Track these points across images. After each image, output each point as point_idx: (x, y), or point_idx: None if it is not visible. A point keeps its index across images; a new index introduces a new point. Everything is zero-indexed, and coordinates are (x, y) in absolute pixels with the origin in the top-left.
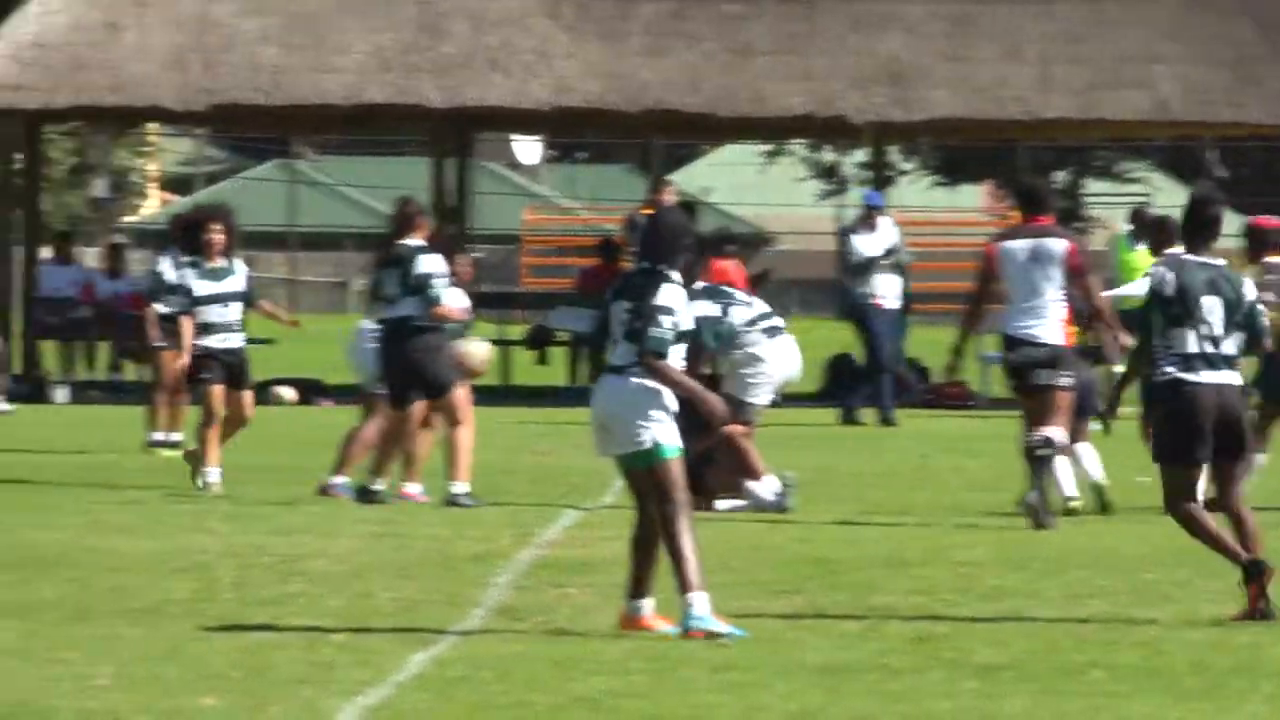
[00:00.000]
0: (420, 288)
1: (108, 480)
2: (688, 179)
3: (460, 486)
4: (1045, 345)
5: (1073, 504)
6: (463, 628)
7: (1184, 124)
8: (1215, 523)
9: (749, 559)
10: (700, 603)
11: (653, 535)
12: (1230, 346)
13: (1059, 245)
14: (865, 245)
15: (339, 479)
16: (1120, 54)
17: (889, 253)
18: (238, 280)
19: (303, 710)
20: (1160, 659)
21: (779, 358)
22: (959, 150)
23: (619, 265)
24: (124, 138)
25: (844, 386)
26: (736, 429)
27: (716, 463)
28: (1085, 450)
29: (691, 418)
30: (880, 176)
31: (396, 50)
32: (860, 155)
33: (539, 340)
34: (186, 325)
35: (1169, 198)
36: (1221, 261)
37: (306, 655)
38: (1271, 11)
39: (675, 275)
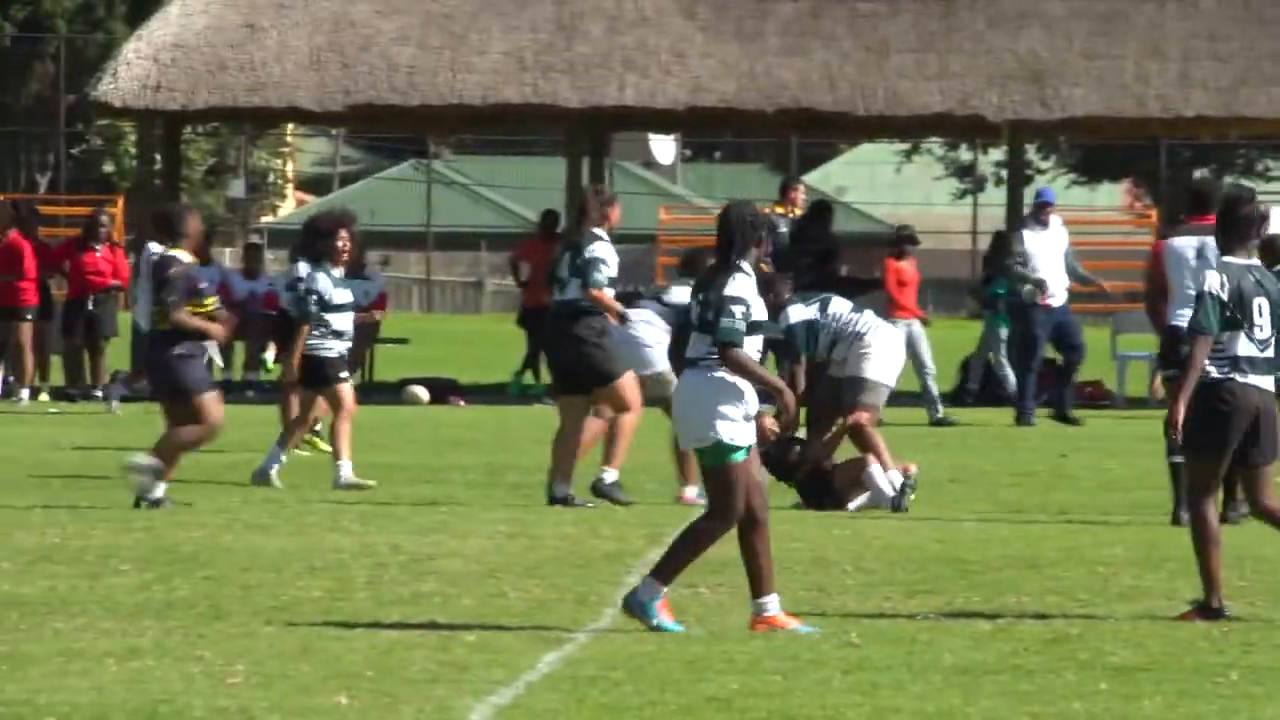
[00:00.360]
0: (583, 271)
1: (244, 479)
2: (823, 178)
3: (610, 474)
4: None
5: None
6: (594, 627)
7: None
8: (1220, 538)
9: (883, 559)
10: (656, 600)
11: (748, 532)
12: (1273, 349)
13: None
14: (1035, 242)
15: (690, 489)
16: (1262, 51)
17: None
18: (359, 287)
19: (435, 710)
20: None
21: (887, 343)
22: (1098, 149)
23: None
24: (262, 138)
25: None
26: (862, 416)
27: (838, 465)
28: None
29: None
30: (1017, 175)
31: (533, 50)
32: (997, 154)
33: None
34: (304, 331)
35: None
36: (1257, 261)
37: (439, 655)
38: None
39: (746, 266)
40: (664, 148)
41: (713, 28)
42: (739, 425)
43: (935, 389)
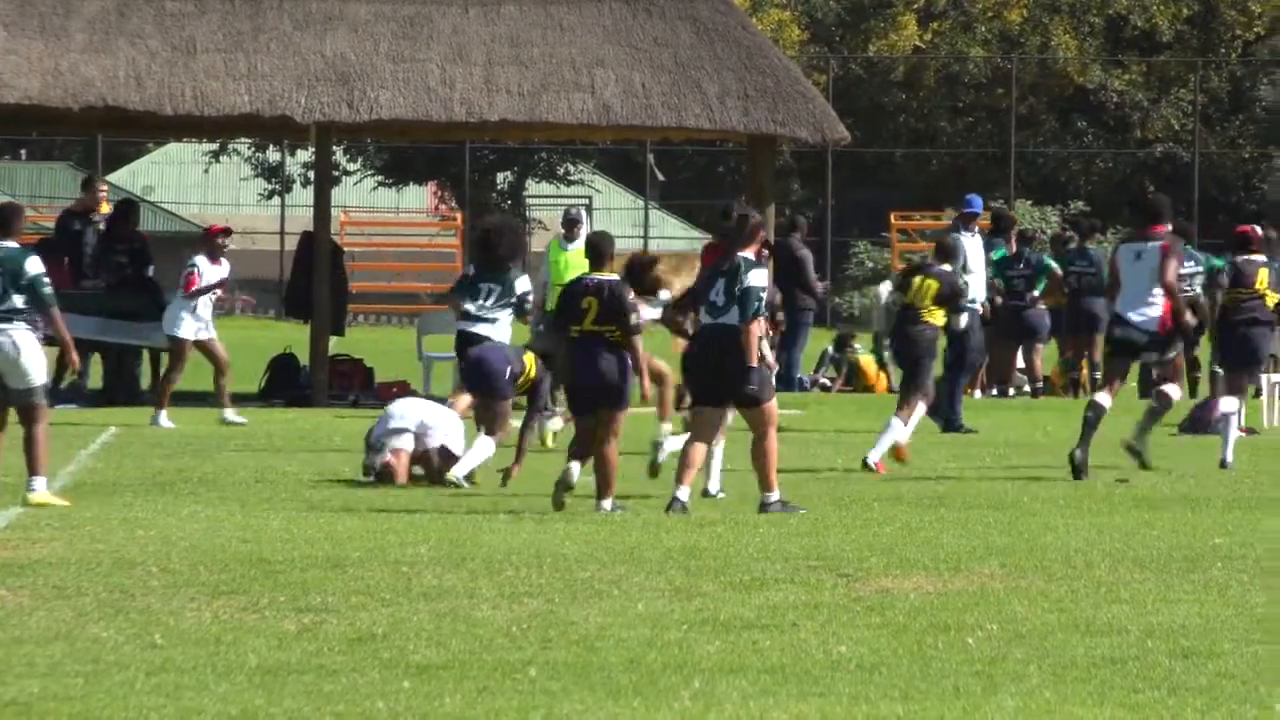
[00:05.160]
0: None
1: None
2: (130, 177)
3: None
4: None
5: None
6: None
7: (625, 127)
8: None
9: (188, 559)
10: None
11: None
12: None
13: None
14: (971, 249)
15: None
16: (564, 58)
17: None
18: None
19: None
20: (595, 656)
21: None
22: (404, 151)
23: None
24: None
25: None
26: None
27: None
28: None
29: None
30: (324, 177)
31: None
32: (305, 155)
33: None
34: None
35: (609, 199)
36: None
37: None
38: (710, 18)
39: None
40: None
41: (16, 24)
42: None
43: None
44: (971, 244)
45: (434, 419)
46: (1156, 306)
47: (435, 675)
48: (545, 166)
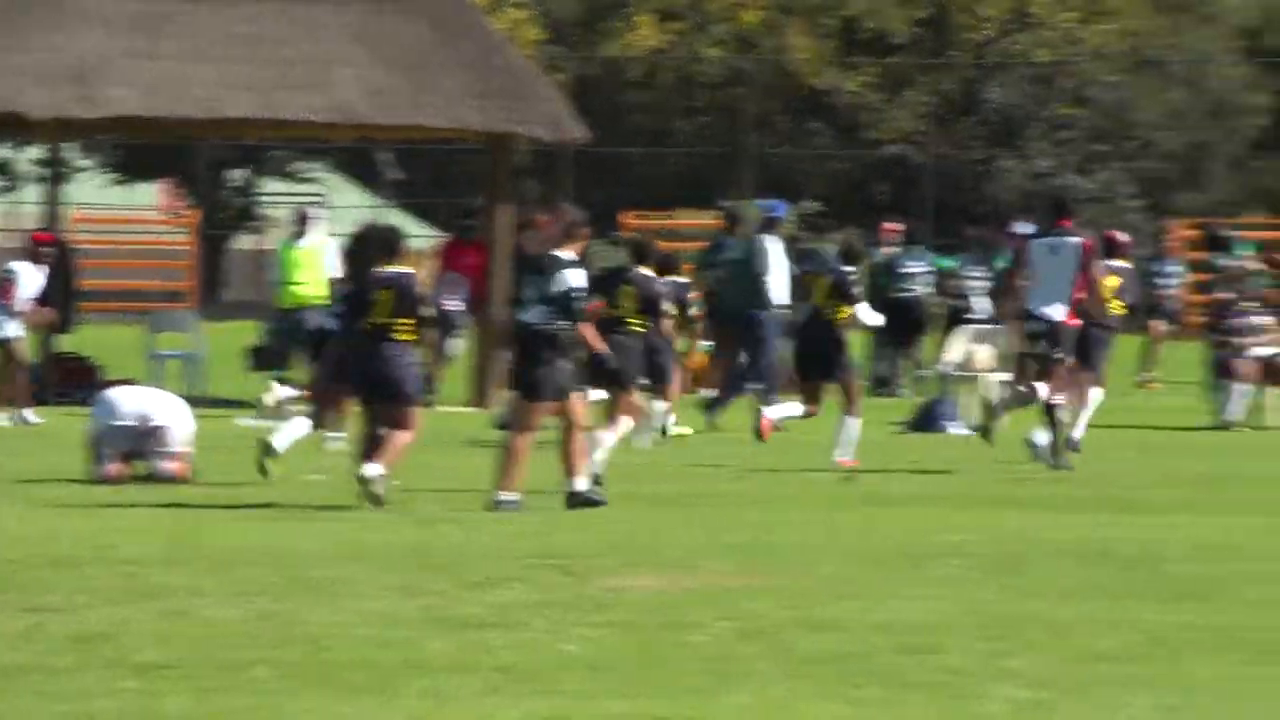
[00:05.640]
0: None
1: None
2: None
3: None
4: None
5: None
6: None
7: (364, 126)
8: None
9: None
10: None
11: None
12: None
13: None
14: (775, 252)
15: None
16: (302, 56)
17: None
18: None
19: None
20: (325, 655)
21: None
22: (137, 148)
23: None
24: None
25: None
26: None
27: None
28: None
29: None
30: (57, 174)
31: None
32: (37, 152)
33: None
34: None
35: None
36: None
37: None
38: (449, 17)
39: None
40: None
41: None
42: None
43: None
44: (774, 248)
45: (154, 408)
46: (1066, 302)
47: (160, 675)
48: (276, 164)
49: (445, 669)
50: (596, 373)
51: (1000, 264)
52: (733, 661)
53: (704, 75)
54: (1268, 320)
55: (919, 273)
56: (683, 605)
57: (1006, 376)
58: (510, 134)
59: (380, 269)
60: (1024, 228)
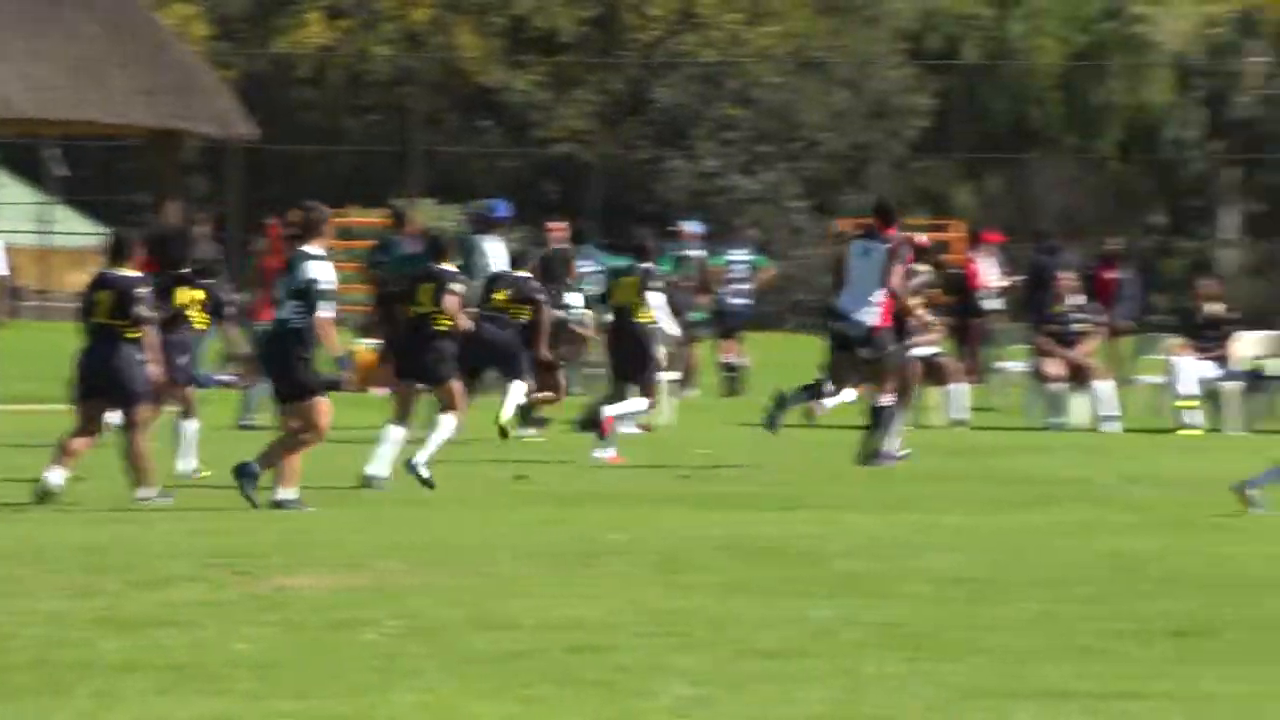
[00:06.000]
0: None
1: None
2: None
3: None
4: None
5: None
6: None
7: (25, 120)
8: None
9: None
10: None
11: None
12: None
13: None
14: (495, 252)
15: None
16: None
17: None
18: None
19: None
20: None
21: None
22: None
23: None
24: None
25: None
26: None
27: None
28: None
29: None
30: None
31: None
32: None
33: None
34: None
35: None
36: None
37: None
38: (116, 12)
39: None
40: None
41: None
42: None
43: None
44: (493, 247)
45: None
46: (876, 305)
47: None
48: None
49: (117, 669)
50: (402, 369)
51: (665, 267)
52: (403, 660)
53: (373, 73)
54: (930, 319)
55: (589, 272)
56: (354, 604)
57: (675, 376)
58: (178, 130)
59: (106, 270)
60: (693, 227)
